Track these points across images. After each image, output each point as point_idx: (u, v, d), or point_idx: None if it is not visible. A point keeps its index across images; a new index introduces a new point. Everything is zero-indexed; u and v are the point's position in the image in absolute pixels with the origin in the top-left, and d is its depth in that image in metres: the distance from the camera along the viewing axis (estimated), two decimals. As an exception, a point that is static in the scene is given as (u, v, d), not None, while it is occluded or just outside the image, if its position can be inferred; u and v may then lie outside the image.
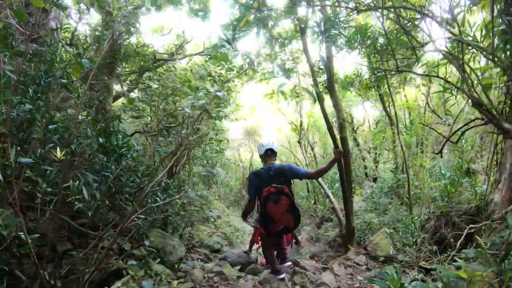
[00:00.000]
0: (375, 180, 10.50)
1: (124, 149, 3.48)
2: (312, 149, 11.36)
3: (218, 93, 2.59)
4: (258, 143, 4.65)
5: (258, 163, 16.19)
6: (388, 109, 8.61)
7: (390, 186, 7.24)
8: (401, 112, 8.73)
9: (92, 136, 3.68)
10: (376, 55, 3.78)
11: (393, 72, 4.14)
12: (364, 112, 11.66)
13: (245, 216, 4.51)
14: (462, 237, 3.25)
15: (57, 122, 2.65)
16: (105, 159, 3.41)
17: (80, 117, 2.48)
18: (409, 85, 8.41)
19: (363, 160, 11.45)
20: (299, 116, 7.50)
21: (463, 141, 4.96)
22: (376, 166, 10.50)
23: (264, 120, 16.15)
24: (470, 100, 2.78)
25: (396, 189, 7.10)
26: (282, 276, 4.52)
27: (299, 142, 7.26)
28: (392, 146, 8.58)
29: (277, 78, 7.05)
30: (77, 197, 2.92)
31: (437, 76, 2.86)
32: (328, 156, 11.75)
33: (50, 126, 2.47)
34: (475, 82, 2.84)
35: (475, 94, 2.66)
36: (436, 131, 4.57)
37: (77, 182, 3.06)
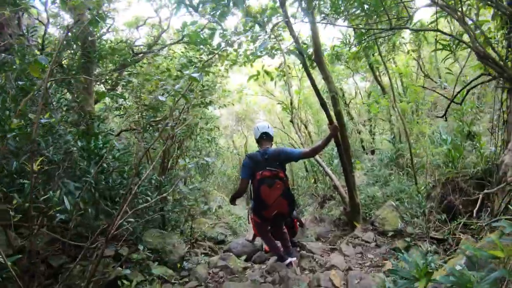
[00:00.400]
0: (373, 152, 10.34)
1: (104, 150, 3.21)
2: (306, 127, 11.12)
3: (194, 75, 2.31)
4: (254, 126, 4.42)
5: (252, 149, 15.96)
6: (379, 78, 8.36)
7: (390, 157, 7.06)
8: (393, 80, 8.48)
9: (70, 141, 3.40)
10: (365, 18, 3.48)
11: (384, 35, 3.85)
12: (354, 85, 11.40)
13: (233, 200, 4.29)
14: (478, 203, 3.03)
15: (14, 129, 2.37)
16: (85, 164, 3.14)
17: (43, 120, 2.20)
18: (398, 53, 8.11)
19: (359, 133, 11.26)
20: (289, 94, 7.22)
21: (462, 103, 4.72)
22: (373, 138, 10.33)
23: (254, 104, 15.83)
24: (469, 57, 2.55)
25: (396, 160, 6.92)
26: (288, 261, 4.37)
27: (291, 121, 7.00)
28: (387, 116, 8.38)
29: (260, 57, 6.75)
30: (58, 208, 2.67)
31: (438, 30, 2.60)
32: (323, 133, 11.55)
33: (8, 135, 2.20)
34: (477, 35, 2.59)
35: (479, 48, 2.41)
36: (438, 92, 4.32)
37: (58, 192, 2.81)
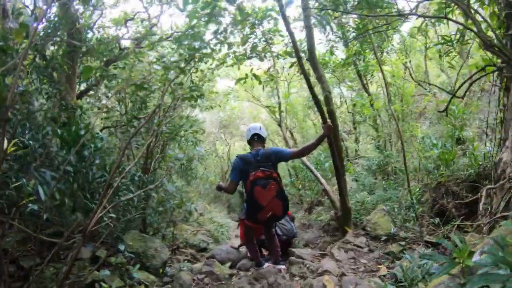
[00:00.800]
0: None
1: (85, 137, 2.93)
2: (292, 134, 11.03)
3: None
4: (247, 127, 4.27)
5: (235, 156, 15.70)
6: (367, 86, 8.39)
7: (378, 163, 7.01)
8: (380, 89, 8.53)
9: (49, 131, 3.11)
10: (367, 9, 3.40)
11: (383, 28, 3.78)
12: (340, 94, 11.44)
13: (220, 188, 4.04)
14: (481, 202, 2.93)
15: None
16: (64, 152, 2.86)
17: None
18: (386, 61, 8.18)
19: (343, 141, 11.24)
20: (278, 98, 7.12)
21: (454, 107, 4.71)
22: (358, 146, 10.35)
23: (238, 111, 15.67)
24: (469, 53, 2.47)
25: (383, 166, 6.87)
26: (264, 266, 4.22)
27: (279, 125, 6.89)
28: (374, 123, 8.38)
29: (250, 59, 6.65)
30: (30, 198, 2.38)
31: (447, 18, 2.55)
32: (309, 140, 11.46)
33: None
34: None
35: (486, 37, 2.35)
36: (438, 87, 4.29)
37: (32, 181, 2.53)
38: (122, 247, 3.41)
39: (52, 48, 4.83)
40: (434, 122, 7.27)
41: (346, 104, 11.07)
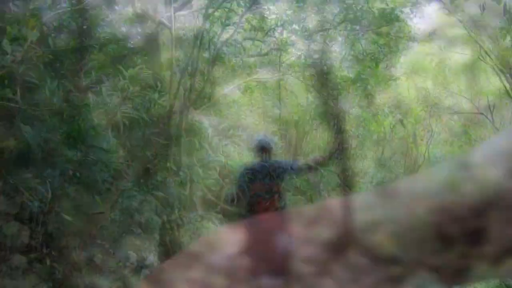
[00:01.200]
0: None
1: (93, 137, 2.86)
2: (295, 147, 10.93)
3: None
4: (253, 136, 4.25)
5: (234, 163, 15.57)
6: (373, 101, 8.33)
7: (379, 181, 6.97)
8: (386, 107, 8.47)
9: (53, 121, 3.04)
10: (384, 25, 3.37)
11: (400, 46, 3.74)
12: (345, 109, 11.37)
13: (231, 201, 3.98)
14: (491, 230, 2.86)
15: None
16: (68, 150, 2.78)
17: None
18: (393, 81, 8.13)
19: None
20: (285, 108, 7.09)
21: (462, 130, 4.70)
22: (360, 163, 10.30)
23: (244, 118, 15.54)
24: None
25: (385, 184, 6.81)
26: None
27: (284, 136, 6.84)
28: (377, 139, 8.33)
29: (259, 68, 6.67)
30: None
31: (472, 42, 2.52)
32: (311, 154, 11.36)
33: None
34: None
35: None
36: (456, 111, 4.27)
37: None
38: (122, 252, 3.31)
39: (60, 41, 4.79)
40: (439, 143, 7.24)
41: (350, 119, 11.02)
